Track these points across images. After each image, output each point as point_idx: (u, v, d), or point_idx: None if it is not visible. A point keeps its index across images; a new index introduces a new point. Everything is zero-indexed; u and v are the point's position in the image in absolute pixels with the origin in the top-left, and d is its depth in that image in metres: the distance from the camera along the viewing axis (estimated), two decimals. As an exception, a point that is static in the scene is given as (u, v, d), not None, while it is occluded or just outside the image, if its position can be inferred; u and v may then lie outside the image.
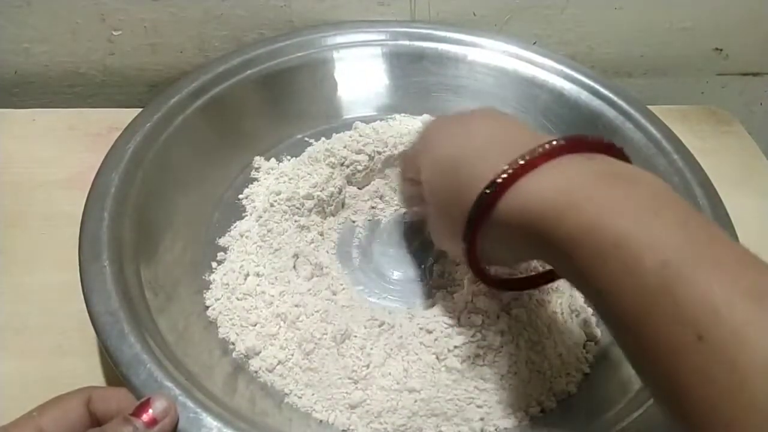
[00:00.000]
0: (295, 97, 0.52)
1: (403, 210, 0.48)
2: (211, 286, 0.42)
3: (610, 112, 0.48)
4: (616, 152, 0.29)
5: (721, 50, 0.62)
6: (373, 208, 0.48)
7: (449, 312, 0.39)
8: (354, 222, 0.47)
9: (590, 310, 0.41)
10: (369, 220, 0.47)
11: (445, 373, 0.37)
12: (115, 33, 0.55)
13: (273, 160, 0.49)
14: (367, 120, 0.51)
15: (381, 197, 0.48)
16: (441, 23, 0.56)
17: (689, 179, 0.43)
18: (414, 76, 0.54)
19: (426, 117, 0.52)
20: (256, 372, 0.37)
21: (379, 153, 0.48)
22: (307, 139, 0.51)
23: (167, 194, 0.43)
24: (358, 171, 0.48)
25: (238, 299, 0.40)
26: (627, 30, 0.59)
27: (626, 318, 0.23)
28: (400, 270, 0.44)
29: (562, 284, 0.42)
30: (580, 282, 0.26)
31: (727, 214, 0.41)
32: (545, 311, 0.40)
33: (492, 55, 0.52)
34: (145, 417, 0.28)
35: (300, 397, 0.36)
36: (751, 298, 0.20)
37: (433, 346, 0.38)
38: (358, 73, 0.53)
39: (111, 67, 0.57)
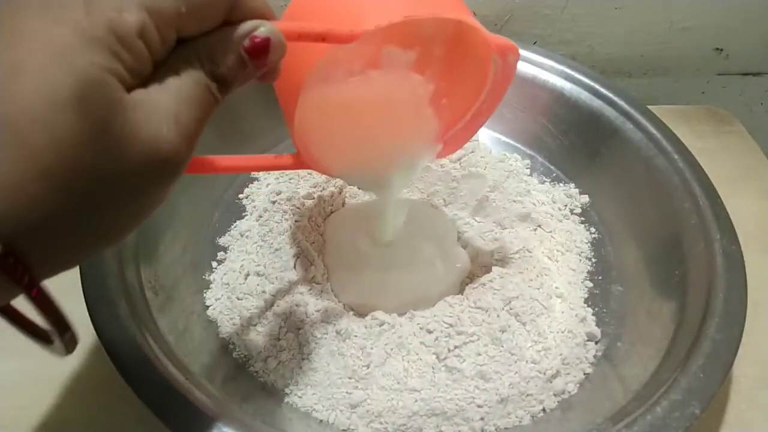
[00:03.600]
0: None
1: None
2: (211, 285, 0.42)
3: (610, 112, 0.48)
4: None
5: (721, 50, 0.62)
6: (373, 208, 0.48)
7: (449, 312, 0.39)
8: (354, 222, 0.47)
9: (590, 310, 0.41)
10: (369, 220, 0.47)
11: (445, 373, 0.37)
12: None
13: (273, 159, 0.49)
14: (367, 120, 0.51)
15: (381, 197, 0.48)
16: (441, 23, 0.56)
17: (689, 179, 0.43)
18: (414, 76, 0.54)
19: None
20: (256, 372, 0.37)
21: (379, 153, 0.48)
22: (307, 138, 0.51)
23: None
24: (359, 171, 0.48)
25: (238, 299, 0.40)
26: (627, 30, 0.59)
27: None
28: (400, 270, 0.44)
29: (562, 285, 0.43)
30: None
31: (727, 214, 0.41)
32: (546, 312, 0.40)
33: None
34: (260, 60, 0.24)
35: (300, 397, 0.36)
36: None
37: (433, 346, 0.38)
38: (359, 73, 0.53)
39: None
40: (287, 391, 0.37)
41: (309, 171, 0.46)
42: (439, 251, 0.43)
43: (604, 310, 0.42)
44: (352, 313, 0.39)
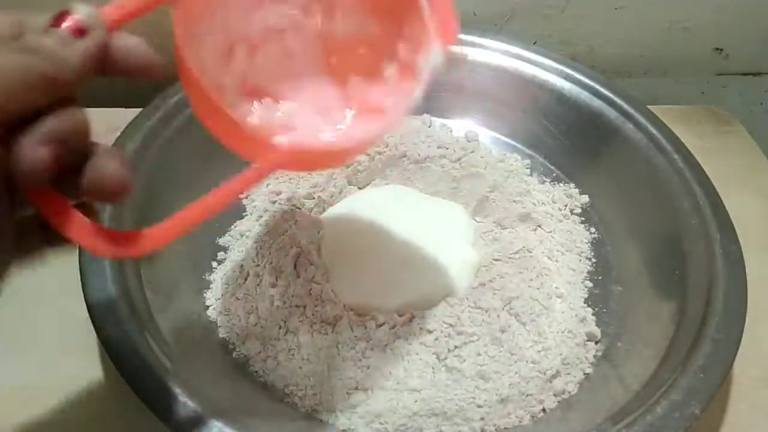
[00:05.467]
0: (295, 96, 0.51)
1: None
2: (211, 285, 0.42)
3: (611, 112, 0.48)
4: None
5: (721, 50, 0.62)
6: (373, 208, 0.48)
7: (449, 312, 0.39)
8: (354, 222, 0.47)
9: (590, 310, 0.41)
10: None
11: (445, 373, 0.37)
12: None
13: (273, 159, 0.49)
14: (367, 120, 0.51)
15: (381, 197, 0.48)
16: (441, 23, 0.56)
17: (689, 179, 0.43)
18: (414, 76, 0.54)
19: (426, 117, 0.52)
20: (256, 372, 0.37)
21: (380, 153, 0.48)
22: (307, 138, 0.51)
23: (167, 194, 0.42)
24: (359, 171, 0.48)
25: (238, 299, 0.40)
26: (627, 30, 0.59)
27: None
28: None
29: (562, 285, 0.43)
30: None
31: (727, 214, 0.41)
32: (546, 311, 0.40)
33: (492, 55, 0.52)
34: (68, 23, 0.22)
35: (300, 397, 0.36)
36: None
37: (433, 346, 0.38)
38: (358, 73, 0.53)
39: (111, 67, 0.57)
40: (287, 391, 0.37)
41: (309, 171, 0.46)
42: (449, 252, 0.42)
43: (604, 310, 0.42)
44: (352, 313, 0.39)
